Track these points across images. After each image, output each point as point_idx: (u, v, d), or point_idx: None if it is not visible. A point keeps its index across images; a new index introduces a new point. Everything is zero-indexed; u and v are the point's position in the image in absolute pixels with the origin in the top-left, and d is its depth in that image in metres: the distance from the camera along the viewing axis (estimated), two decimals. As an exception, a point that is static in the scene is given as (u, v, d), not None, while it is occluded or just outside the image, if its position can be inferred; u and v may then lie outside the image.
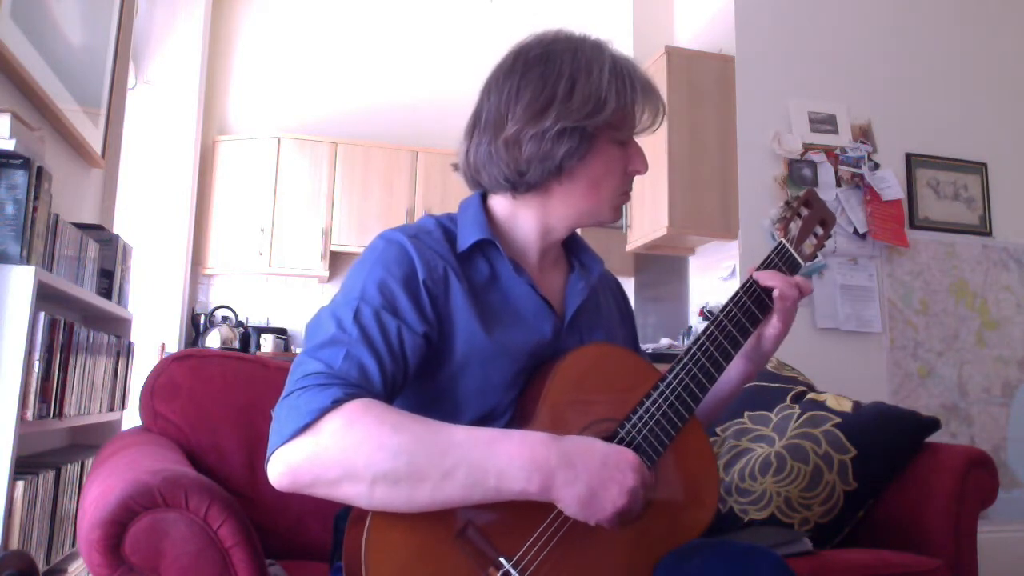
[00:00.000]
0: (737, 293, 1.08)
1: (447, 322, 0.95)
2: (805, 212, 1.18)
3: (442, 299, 0.95)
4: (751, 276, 1.10)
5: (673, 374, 1.00)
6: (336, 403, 0.80)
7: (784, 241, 1.14)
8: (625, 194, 1.06)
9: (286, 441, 0.80)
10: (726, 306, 1.07)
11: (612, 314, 1.18)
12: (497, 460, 0.80)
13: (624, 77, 0.99)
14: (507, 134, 0.98)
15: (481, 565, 0.84)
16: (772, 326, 1.10)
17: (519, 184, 1.00)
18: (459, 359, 0.95)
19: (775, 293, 1.07)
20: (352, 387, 0.83)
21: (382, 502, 0.80)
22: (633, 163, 1.04)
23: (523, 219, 1.05)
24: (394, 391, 0.90)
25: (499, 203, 1.06)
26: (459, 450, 0.80)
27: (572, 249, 1.14)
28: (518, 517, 0.86)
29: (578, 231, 1.13)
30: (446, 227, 1.03)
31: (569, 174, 1.00)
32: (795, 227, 1.16)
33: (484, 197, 1.08)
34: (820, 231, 1.19)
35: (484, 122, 1.02)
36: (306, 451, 0.79)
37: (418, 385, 0.96)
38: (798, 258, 1.14)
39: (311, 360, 0.86)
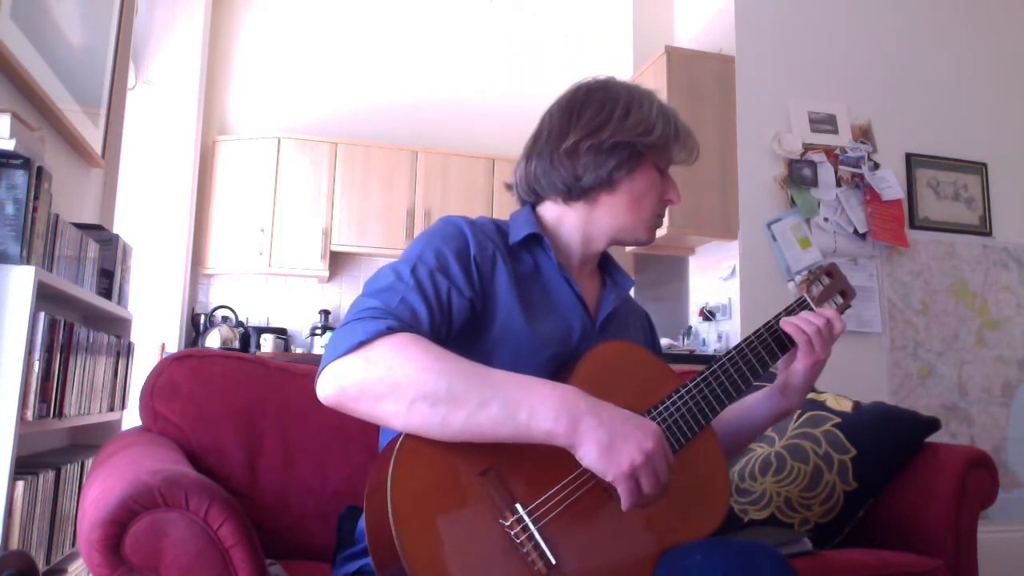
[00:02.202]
0: (759, 329, 1.15)
1: (490, 299, 1.04)
2: (827, 281, 1.25)
3: (488, 276, 1.04)
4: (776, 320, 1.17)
5: (694, 383, 1.06)
6: (390, 330, 0.89)
7: (806, 296, 1.21)
8: (659, 217, 1.17)
9: (340, 356, 0.87)
10: (749, 337, 1.14)
11: (638, 338, 1.25)
12: (530, 399, 0.87)
13: (668, 117, 1.13)
14: (567, 145, 1.10)
15: (498, 507, 0.87)
16: (798, 361, 1.15)
17: (573, 189, 1.12)
18: (496, 334, 1.02)
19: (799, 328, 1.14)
20: (404, 323, 0.92)
21: (418, 422, 0.86)
22: (668, 192, 1.16)
23: (568, 224, 1.15)
24: (437, 341, 0.95)
25: (548, 209, 1.17)
26: (496, 384, 0.87)
27: (606, 268, 1.23)
28: (540, 471, 0.90)
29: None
30: (498, 224, 1.14)
31: (616, 187, 1.12)
32: (816, 290, 1.23)
33: (533, 208, 1.18)
34: (840, 300, 1.26)
35: (546, 138, 1.14)
36: (357, 366, 0.87)
37: (455, 353, 0.99)
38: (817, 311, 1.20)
39: (369, 299, 0.95)
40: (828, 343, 1.14)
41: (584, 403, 0.88)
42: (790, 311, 1.18)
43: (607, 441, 0.86)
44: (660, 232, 3.13)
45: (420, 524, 0.82)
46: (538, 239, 1.12)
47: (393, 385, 0.85)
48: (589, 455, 0.86)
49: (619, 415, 0.89)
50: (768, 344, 1.14)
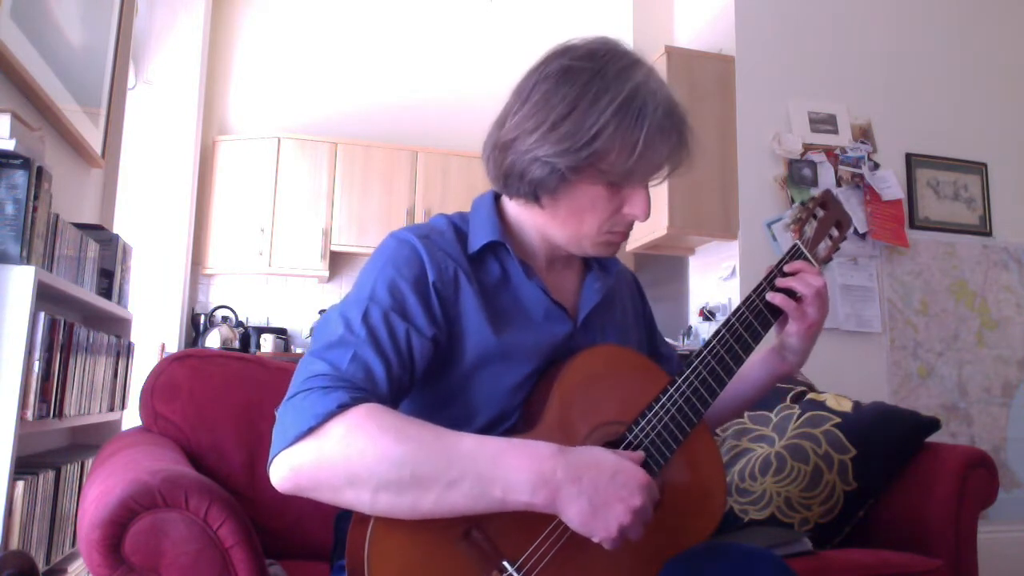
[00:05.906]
0: (750, 295, 1.07)
1: (456, 324, 0.94)
2: (821, 214, 1.16)
3: (451, 301, 0.94)
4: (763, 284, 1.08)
5: (683, 378, 0.99)
6: (341, 407, 0.79)
7: (799, 243, 1.13)
8: (616, 234, 0.99)
9: (290, 444, 0.79)
10: (739, 308, 1.06)
11: (627, 314, 1.16)
12: (503, 471, 0.79)
13: (634, 115, 0.90)
14: (501, 138, 0.97)
15: (485, 568, 0.84)
16: (791, 324, 1.08)
17: (506, 188, 0.99)
18: (469, 361, 0.94)
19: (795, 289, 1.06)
20: (357, 390, 0.82)
21: (385, 509, 0.80)
22: (630, 206, 0.97)
23: (527, 224, 1.03)
24: (400, 394, 0.90)
25: (509, 204, 1.04)
26: (464, 460, 0.79)
27: None
28: (522, 522, 0.85)
29: None
30: (458, 227, 1.02)
31: (547, 199, 0.96)
32: (810, 229, 1.14)
33: (497, 196, 1.06)
34: (835, 233, 1.17)
35: (498, 118, 1.00)
36: (310, 456, 0.79)
37: (428, 388, 0.96)
38: (813, 261, 1.12)
39: (318, 361, 0.85)
40: (820, 305, 1.05)
41: (562, 468, 0.80)
42: (782, 263, 1.09)
43: (590, 511, 0.80)
44: (660, 232, 3.14)
45: None
46: (500, 245, 1.00)
47: (352, 476, 0.78)
48: (572, 523, 0.82)
49: (602, 474, 0.81)
50: (760, 313, 1.06)
